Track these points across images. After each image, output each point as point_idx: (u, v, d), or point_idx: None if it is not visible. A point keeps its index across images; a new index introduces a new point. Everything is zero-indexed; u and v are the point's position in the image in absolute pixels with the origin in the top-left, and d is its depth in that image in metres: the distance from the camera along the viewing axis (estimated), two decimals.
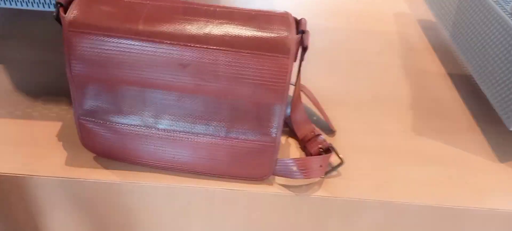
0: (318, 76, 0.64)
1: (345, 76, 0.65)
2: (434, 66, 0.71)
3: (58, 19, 0.40)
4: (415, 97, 0.63)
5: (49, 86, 0.54)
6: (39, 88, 0.54)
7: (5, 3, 0.55)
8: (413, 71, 0.69)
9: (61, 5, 0.39)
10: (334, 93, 0.61)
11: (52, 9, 0.58)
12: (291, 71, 0.40)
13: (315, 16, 0.81)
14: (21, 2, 0.57)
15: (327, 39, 0.74)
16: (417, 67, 0.70)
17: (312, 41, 0.73)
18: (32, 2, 0.58)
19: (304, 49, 0.42)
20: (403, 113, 0.59)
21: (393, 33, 0.79)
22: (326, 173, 0.46)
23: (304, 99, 0.56)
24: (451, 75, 0.69)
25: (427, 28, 0.83)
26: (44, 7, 0.58)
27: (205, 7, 0.42)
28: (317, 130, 0.50)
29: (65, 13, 0.40)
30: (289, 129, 0.53)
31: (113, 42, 0.38)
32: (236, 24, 0.40)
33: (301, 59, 0.44)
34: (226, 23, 0.40)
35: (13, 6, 0.54)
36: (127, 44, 0.38)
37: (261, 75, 0.40)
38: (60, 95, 0.53)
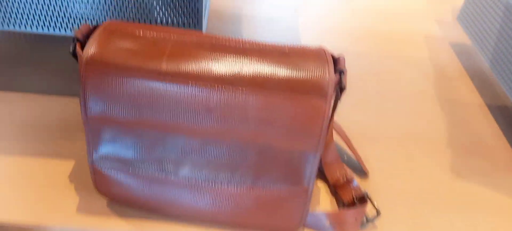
0: (347, 108, 0.60)
1: (376, 108, 0.61)
2: (471, 96, 0.66)
3: (75, 55, 0.37)
4: (452, 133, 0.58)
5: (64, 118, 0.51)
6: (53, 120, 0.50)
7: (20, 27, 0.53)
8: (448, 102, 0.64)
9: (78, 40, 0.36)
10: (365, 128, 0.57)
11: (68, 33, 0.55)
12: (328, 116, 0.36)
13: (340, 38, 0.77)
14: (36, 26, 0.55)
15: (354, 65, 0.70)
16: (452, 98, 0.65)
17: None
18: (48, 26, 0.55)
19: (342, 89, 0.38)
20: (440, 152, 0.54)
21: (425, 58, 0.74)
22: (361, 225, 0.42)
23: (334, 135, 0.52)
24: (490, 107, 0.64)
25: (461, 53, 0.78)
26: (60, 31, 0.55)
27: (234, 43, 0.38)
28: (350, 174, 0.46)
29: (82, 49, 0.36)
30: (318, 170, 0.49)
31: (134, 83, 0.35)
32: (268, 62, 0.36)
33: (337, 99, 0.40)
34: (257, 61, 0.36)
35: (28, 30, 0.52)
36: (149, 85, 0.35)
37: (294, 120, 0.36)
38: (74, 130, 0.49)
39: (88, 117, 0.36)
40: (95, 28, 0.38)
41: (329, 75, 0.36)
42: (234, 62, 0.36)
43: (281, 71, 0.36)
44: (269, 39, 0.73)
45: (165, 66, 0.35)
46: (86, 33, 0.37)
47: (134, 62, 0.35)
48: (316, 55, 0.38)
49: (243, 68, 0.36)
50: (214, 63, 0.36)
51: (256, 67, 0.36)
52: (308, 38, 0.75)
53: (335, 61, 0.39)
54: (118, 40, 0.36)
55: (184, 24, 0.56)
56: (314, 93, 0.36)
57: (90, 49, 0.35)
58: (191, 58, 0.36)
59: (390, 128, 0.57)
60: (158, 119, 0.36)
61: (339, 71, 0.37)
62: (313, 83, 0.36)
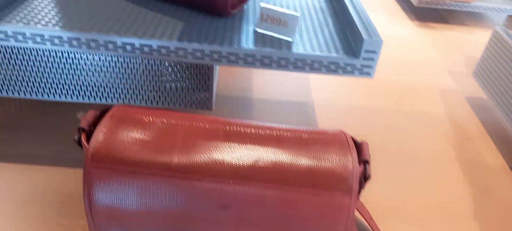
0: None
1: (394, 172, 0.58)
2: (493, 158, 0.63)
3: (80, 144, 0.34)
4: (479, 204, 0.54)
5: (66, 193, 0.48)
6: (54, 195, 0.48)
7: (24, 94, 0.51)
8: (471, 166, 0.61)
9: (84, 130, 0.34)
10: (385, 197, 0.53)
11: (75, 100, 0.54)
12: (353, 212, 0.33)
13: (352, 92, 0.75)
14: (42, 93, 0.53)
15: (368, 123, 0.67)
16: (474, 160, 0.62)
17: (351, 125, 0.66)
18: (54, 93, 0.53)
19: (366, 179, 0.35)
20: (467, 227, 0.51)
21: (442, 115, 0.72)
22: None
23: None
24: None
25: (478, 108, 0.75)
26: (66, 98, 0.53)
27: (249, 129, 0.36)
28: None
29: (88, 139, 0.34)
30: None
31: (143, 179, 0.32)
32: (287, 153, 0.34)
33: (361, 188, 0.37)
34: (275, 152, 0.34)
35: (34, 97, 0.50)
36: (159, 181, 0.32)
37: (316, 217, 0.33)
38: (77, 206, 0.47)
39: (93, 213, 0.33)
40: (102, 114, 0.36)
41: (353, 167, 0.34)
42: (250, 153, 0.33)
43: (301, 164, 0.33)
44: (280, 91, 0.71)
45: (176, 160, 0.32)
46: (93, 121, 0.35)
47: (143, 156, 0.32)
48: (337, 142, 0.36)
49: (260, 160, 0.33)
50: (228, 155, 0.33)
51: (274, 158, 0.33)
52: (319, 92, 0.73)
53: (358, 147, 0.36)
54: (126, 129, 0.34)
55: (194, 89, 0.54)
56: (338, 189, 0.33)
57: (96, 142, 0.33)
58: (203, 149, 0.33)
59: (411, 196, 0.54)
60: (168, 215, 0.33)
61: (364, 161, 0.34)
62: (336, 178, 0.33)
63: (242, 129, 0.35)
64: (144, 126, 0.34)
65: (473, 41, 1.01)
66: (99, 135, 0.33)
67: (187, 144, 0.33)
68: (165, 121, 0.35)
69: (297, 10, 0.49)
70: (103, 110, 0.36)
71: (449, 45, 0.97)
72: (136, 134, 0.34)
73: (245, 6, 0.48)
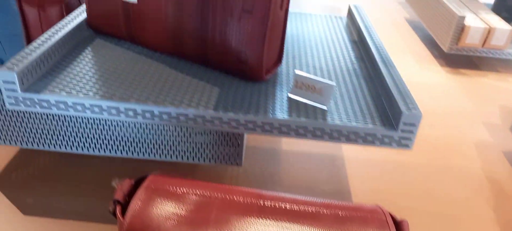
0: None
1: None
2: None
3: (114, 214, 0.35)
4: None
5: None
6: None
7: (60, 147, 0.52)
8: None
9: (119, 203, 0.34)
10: None
11: (108, 154, 0.54)
12: None
13: None
14: (71, 146, 0.54)
15: (401, 180, 0.65)
16: None
17: (383, 183, 0.64)
18: (88, 148, 0.54)
19: None
20: None
21: (478, 171, 0.69)
22: None
23: None
24: None
25: None
26: (100, 152, 0.54)
27: (284, 203, 0.35)
28: None
29: (123, 211, 0.34)
30: None
31: None
32: (323, 230, 0.33)
33: None
34: (311, 230, 0.33)
35: (62, 150, 0.51)
36: None
37: None
38: None
39: None
40: (137, 182, 0.36)
41: None
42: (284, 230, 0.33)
43: None
44: (309, 142, 0.70)
45: None
46: (128, 192, 0.35)
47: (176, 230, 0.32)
48: (376, 220, 0.34)
49: None
50: None
51: None
52: (349, 144, 0.72)
53: (397, 226, 0.35)
54: (161, 202, 0.34)
55: (224, 145, 0.54)
56: None
57: (131, 216, 0.33)
58: (237, 226, 0.33)
59: None
60: None
61: None
62: None
63: (276, 204, 0.35)
64: (178, 198, 0.34)
65: (507, 89, 0.98)
66: (134, 208, 0.33)
67: (221, 219, 0.33)
68: (199, 192, 0.35)
69: (329, 71, 0.49)
70: (138, 180, 0.37)
71: (482, 94, 0.95)
72: (170, 208, 0.33)
73: (278, 69, 0.49)
